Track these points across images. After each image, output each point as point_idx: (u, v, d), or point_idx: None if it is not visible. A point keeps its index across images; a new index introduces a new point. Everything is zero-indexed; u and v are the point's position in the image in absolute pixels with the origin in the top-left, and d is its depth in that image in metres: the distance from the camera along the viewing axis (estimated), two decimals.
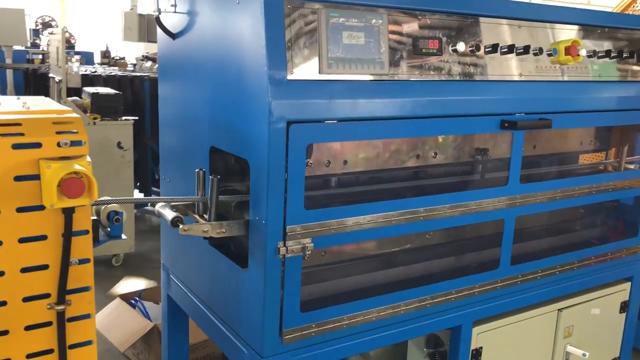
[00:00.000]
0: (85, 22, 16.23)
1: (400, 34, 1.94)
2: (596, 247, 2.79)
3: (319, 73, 1.77)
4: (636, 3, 3.75)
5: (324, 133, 1.82)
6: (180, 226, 1.81)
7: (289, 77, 1.71)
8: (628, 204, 3.01)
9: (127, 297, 3.79)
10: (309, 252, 1.82)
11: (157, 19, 2.28)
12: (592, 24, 2.48)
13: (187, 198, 1.98)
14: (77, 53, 9.15)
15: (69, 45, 9.85)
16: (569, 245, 2.82)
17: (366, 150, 2.18)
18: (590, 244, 2.82)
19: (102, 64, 8.64)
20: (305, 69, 1.75)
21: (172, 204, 1.94)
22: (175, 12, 2.24)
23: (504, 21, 2.23)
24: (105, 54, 8.86)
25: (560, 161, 2.90)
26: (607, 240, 2.88)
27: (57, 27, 11.29)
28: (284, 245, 1.77)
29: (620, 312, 3.00)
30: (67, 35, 9.56)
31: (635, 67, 2.68)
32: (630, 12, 3.75)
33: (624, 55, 2.60)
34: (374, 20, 1.87)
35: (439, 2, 2.01)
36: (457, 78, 2.09)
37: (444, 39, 2.05)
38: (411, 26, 1.96)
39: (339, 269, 2.27)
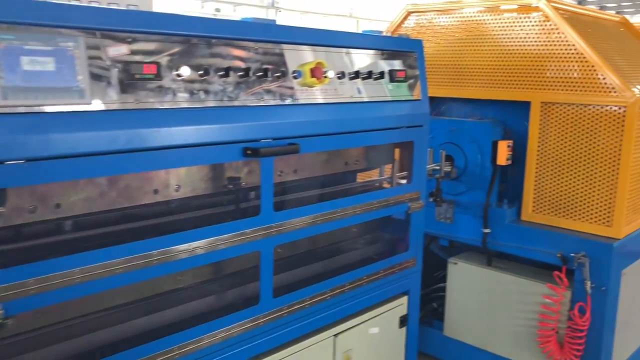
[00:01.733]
0: None
1: (104, 58, 1.71)
2: (368, 266, 2.79)
3: None
4: (404, 23, 3.94)
5: (6, 177, 1.52)
6: None
7: None
8: (399, 218, 3.07)
9: None
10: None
11: None
12: (336, 44, 2.47)
13: None
14: None
15: None
16: (340, 267, 2.79)
17: (87, 188, 1.91)
18: (362, 264, 2.81)
19: None
20: None
21: None
22: None
23: (240, 42, 2.11)
24: None
25: (327, 183, 2.87)
26: (379, 258, 2.90)
27: None
28: None
29: (400, 327, 3.05)
30: None
31: (391, 87, 2.74)
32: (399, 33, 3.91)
33: (375, 75, 2.64)
34: (67, 44, 1.62)
35: (148, 23, 1.82)
36: (186, 105, 1.92)
37: (165, 63, 1.86)
38: (119, 49, 1.74)
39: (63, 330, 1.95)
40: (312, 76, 2.32)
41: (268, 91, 2.18)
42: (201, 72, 1.96)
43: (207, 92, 1.98)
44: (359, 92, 2.57)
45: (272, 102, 2.19)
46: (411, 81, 2.86)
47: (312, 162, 2.70)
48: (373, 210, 2.73)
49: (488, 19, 3.61)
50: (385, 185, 3.30)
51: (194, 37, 1.95)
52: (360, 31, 2.92)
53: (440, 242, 3.83)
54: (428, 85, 3.50)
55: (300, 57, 2.32)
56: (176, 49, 1.90)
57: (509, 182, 3.66)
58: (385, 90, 2.71)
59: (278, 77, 2.22)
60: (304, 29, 2.35)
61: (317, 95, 2.38)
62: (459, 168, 3.60)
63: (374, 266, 2.82)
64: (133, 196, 2.04)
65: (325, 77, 2.38)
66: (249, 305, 2.24)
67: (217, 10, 32.41)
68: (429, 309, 3.94)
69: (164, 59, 1.86)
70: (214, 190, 2.32)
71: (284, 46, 2.25)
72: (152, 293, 2.22)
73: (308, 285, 2.48)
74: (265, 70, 2.15)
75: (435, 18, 3.85)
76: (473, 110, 3.80)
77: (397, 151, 3.17)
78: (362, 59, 2.61)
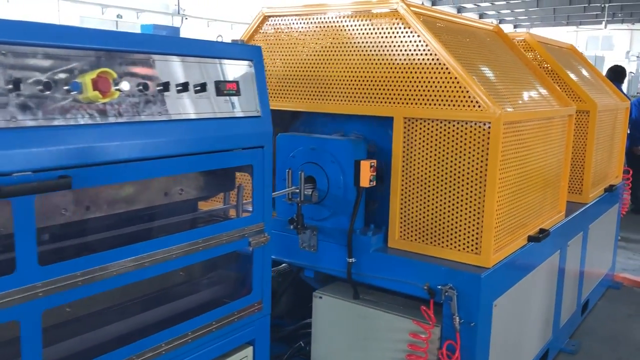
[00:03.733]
0: None
1: None
2: (200, 317, 2.31)
3: None
4: (262, 27, 3.52)
5: None
6: None
7: None
8: (244, 253, 2.62)
9: None
10: None
11: None
12: (136, 49, 1.99)
13: None
14: None
15: None
16: (161, 321, 2.30)
17: None
18: (193, 313, 2.33)
19: None
20: None
21: None
22: None
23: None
24: None
25: (135, 219, 2.37)
26: (214, 305, 2.43)
27: None
28: None
29: None
30: None
31: (219, 101, 2.29)
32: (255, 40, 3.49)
33: (196, 88, 2.18)
34: None
35: None
36: None
37: None
38: None
39: None
40: (95, 89, 1.82)
41: (24, 107, 1.66)
42: None
43: None
44: (175, 108, 2.10)
45: (31, 123, 1.67)
46: (247, 95, 2.43)
47: (113, 194, 2.19)
48: (197, 252, 2.26)
49: (350, 25, 3.26)
50: (233, 214, 2.84)
51: None
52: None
53: (305, 274, 3.43)
54: (291, 98, 3.10)
55: (83, 64, 1.82)
56: None
57: (378, 205, 3.32)
58: (211, 105, 2.26)
59: (42, 90, 1.70)
60: (85, 29, 1.85)
61: (109, 112, 1.88)
62: (322, 191, 3.21)
63: (207, 316, 2.35)
64: None
65: (117, 89, 1.89)
66: None
67: (119, 16, 30.98)
68: (296, 349, 3.52)
69: None
70: None
71: (52, 50, 1.74)
72: None
73: (110, 350, 1.97)
74: (17, 82, 1.63)
75: (294, 23, 3.46)
76: (341, 125, 3.43)
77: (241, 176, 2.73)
78: (177, 67, 2.15)
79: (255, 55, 2.48)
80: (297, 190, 3.11)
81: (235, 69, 2.39)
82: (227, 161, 2.35)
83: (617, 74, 7.47)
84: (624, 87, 8.32)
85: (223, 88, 2.31)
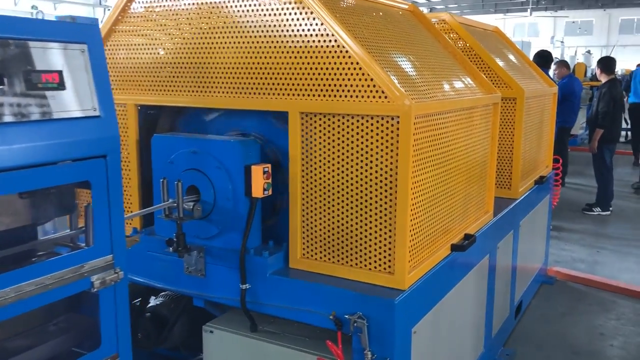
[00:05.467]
0: None
1: None
2: None
3: None
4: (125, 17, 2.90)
5: None
6: None
7: None
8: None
9: None
10: None
11: None
12: None
13: None
14: None
15: None
16: None
17: None
18: None
19: None
20: None
21: None
22: None
23: None
24: None
25: None
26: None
27: None
28: None
29: None
30: None
31: (33, 99, 1.69)
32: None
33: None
34: None
35: None
36: None
37: None
38: None
39: None
40: None
41: None
42: None
43: None
44: None
45: None
46: (79, 89, 1.83)
47: None
48: (14, 302, 1.67)
49: (235, 3, 2.70)
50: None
51: None
52: None
53: (194, 303, 2.86)
54: (169, 92, 2.52)
55: None
56: None
57: (280, 218, 2.80)
58: (17, 104, 1.65)
59: None
60: None
61: None
62: (207, 203, 2.65)
63: None
64: None
65: None
66: None
67: (34, 7, 29.02)
68: None
69: None
70: None
71: None
72: None
73: None
74: None
75: (169, 1, 2.87)
76: (238, 123, 2.88)
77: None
78: None
79: (89, 36, 1.89)
80: (175, 205, 2.54)
81: (57, 55, 1.79)
82: (46, 179, 1.75)
83: (543, 59, 7.26)
84: (550, 72, 8.16)
85: (37, 80, 1.71)
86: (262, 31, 2.61)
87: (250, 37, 2.63)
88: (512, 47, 5.22)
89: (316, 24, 2.47)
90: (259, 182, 2.53)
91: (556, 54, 19.95)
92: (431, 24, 3.55)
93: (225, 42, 2.70)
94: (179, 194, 2.52)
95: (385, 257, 2.42)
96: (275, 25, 2.58)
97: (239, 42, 2.67)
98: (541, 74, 5.18)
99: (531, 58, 7.49)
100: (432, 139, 2.55)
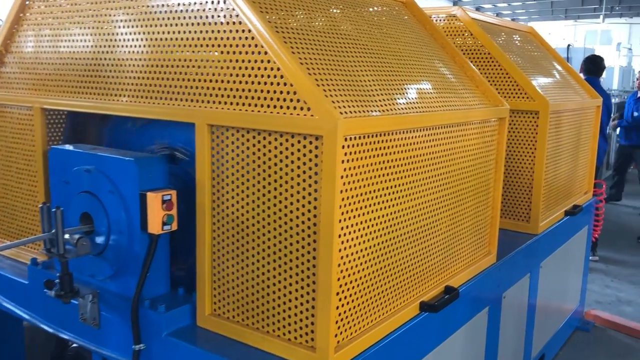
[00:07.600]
0: None
1: None
2: None
3: None
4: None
5: None
6: None
7: None
8: None
9: None
10: None
11: None
12: None
13: None
14: None
15: None
16: None
17: None
18: None
19: None
20: None
21: None
22: None
23: None
24: None
25: None
26: None
27: None
28: None
29: None
30: None
31: None
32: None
33: None
34: None
35: None
36: None
37: None
38: None
39: None
40: None
41: None
42: None
43: None
44: None
45: None
46: None
47: None
48: None
49: None
50: None
51: None
52: None
53: (93, 358, 2.32)
54: (77, 92, 2.01)
55: None
56: None
57: (194, 260, 2.20)
58: None
59: None
60: None
61: None
62: (102, 235, 2.10)
63: None
64: None
65: None
66: None
67: None
68: None
69: None
70: None
71: None
72: None
73: None
74: None
75: None
76: (169, 134, 2.31)
77: None
78: None
79: None
80: (53, 238, 2.00)
81: None
82: None
83: (594, 65, 6.31)
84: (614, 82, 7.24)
85: None
86: (168, 18, 2.03)
87: (153, 28, 2.06)
88: (549, 51, 4.43)
89: (226, 9, 1.87)
90: (157, 214, 1.95)
91: (622, 62, 18.45)
92: (427, 19, 2.87)
93: (129, 33, 2.14)
94: (58, 224, 1.97)
95: (306, 325, 1.79)
96: (179, 12, 2.00)
97: (141, 36, 2.10)
98: (582, 83, 4.36)
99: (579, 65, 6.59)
100: (385, 165, 1.90)
